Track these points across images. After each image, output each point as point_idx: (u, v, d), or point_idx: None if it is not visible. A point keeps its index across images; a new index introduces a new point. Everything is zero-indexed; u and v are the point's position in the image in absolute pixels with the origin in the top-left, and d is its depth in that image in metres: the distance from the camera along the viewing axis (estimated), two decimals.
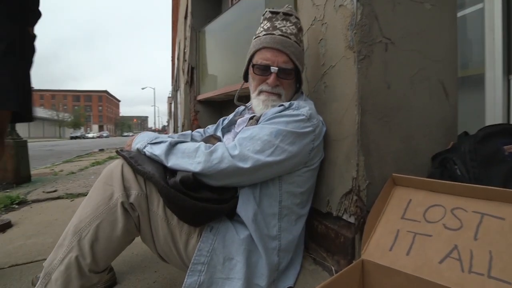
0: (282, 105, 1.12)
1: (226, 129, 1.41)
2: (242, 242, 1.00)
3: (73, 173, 4.84)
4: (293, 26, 1.22)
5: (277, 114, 1.08)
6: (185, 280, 0.96)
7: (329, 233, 1.22)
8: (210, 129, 1.51)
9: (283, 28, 1.20)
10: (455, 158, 1.02)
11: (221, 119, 1.49)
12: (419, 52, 1.14)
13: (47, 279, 0.94)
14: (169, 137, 1.10)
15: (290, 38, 1.19)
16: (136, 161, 0.99)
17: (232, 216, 1.05)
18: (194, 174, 0.97)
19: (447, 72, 1.20)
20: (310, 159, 1.12)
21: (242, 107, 1.43)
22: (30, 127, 53.91)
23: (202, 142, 1.05)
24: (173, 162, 0.99)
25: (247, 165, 0.98)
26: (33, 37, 1.46)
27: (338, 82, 1.18)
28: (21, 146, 4.01)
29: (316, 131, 1.10)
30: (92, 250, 0.94)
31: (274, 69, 1.17)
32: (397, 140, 1.12)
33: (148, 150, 1.03)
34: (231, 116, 1.45)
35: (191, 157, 0.98)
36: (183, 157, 0.99)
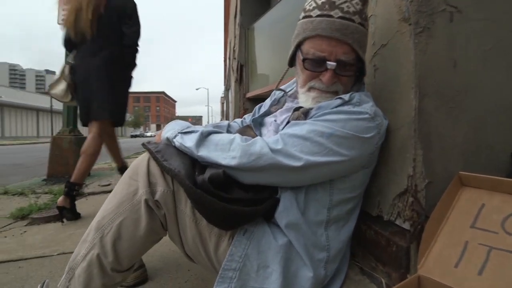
0: (341, 97, 0.93)
1: (260, 120, 1.21)
2: (280, 249, 0.88)
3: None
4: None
5: (333, 110, 0.91)
6: (214, 287, 0.86)
7: (379, 240, 1.05)
8: (247, 119, 1.35)
9: (344, 6, 0.91)
10: None
11: (257, 106, 1.32)
12: (494, 21, 0.93)
13: (71, 274, 0.91)
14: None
15: (353, 21, 0.92)
16: (162, 156, 0.90)
17: (269, 218, 0.92)
18: (225, 171, 0.86)
19: None
20: (371, 162, 0.97)
21: (279, 93, 1.22)
22: None
23: (238, 134, 0.93)
24: (203, 154, 0.89)
25: (291, 163, 0.84)
26: (132, 77, 2.56)
27: (391, 63, 1.01)
28: (82, 142, 4.26)
29: (381, 131, 0.93)
30: (114, 249, 0.89)
31: (331, 64, 0.92)
32: (465, 130, 0.92)
33: (178, 140, 0.94)
34: (267, 102, 1.26)
35: (224, 150, 0.87)
36: (215, 150, 0.88)
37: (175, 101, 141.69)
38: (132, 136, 58.90)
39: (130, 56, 2.43)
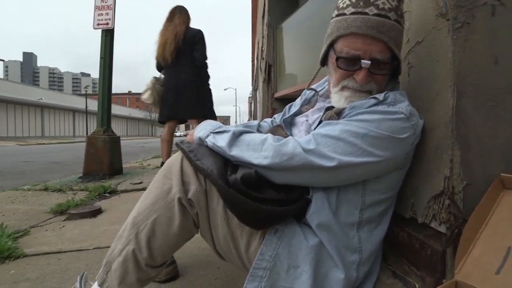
0: (375, 97, 0.91)
1: (290, 120, 1.20)
2: (311, 250, 0.87)
3: (158, 167, 5.21)
4: None
5: (368, 109, 0.89)
6: (245, 285, 0.87)
7: (412, 243, 1.01)
8: (277, 118, 1.34)
9: (380, 3, 0.88)
10: None
11: (287, 106, 1.30)
12: None
13: (108, 267, 0.95)
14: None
15: (389, 18, 0.89)
16: (195, 155, 0.92)
17: (300, 218, 0.92)
18: (257, 171, 0.87)
19: None
20: (406, 163, 0.94)
21: (310, 93, 1.21)
22: (128, 127, 61.15)
23: (270, 134, 0.93)
24: (235, 153, 0.90)
25: (324, 163, 0.83)
26: (209, 84, 3.64)
27: (427, 60, 0.97)
28: (115, 141, 4.43)
29: (416, 131, 0.90)
30: (149, 245, 0.92)
31: (365, 63, 0.90)
32: (507, 131, 0.87)
33: (211, 140, 0.95)
34: (297, 102, 1.25)
35: (256, 150, 0.87)
36: (247, 149, 0.89)
37: None
38: None
39: (203, 72, 3.57)
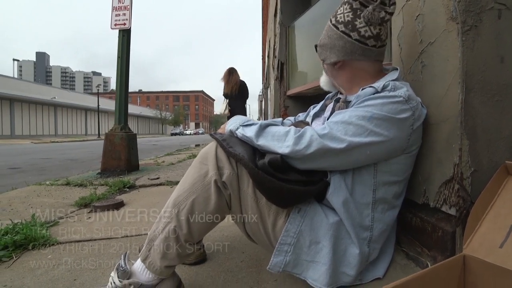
0: (372, 86, 1.04)
1: (316, 116, 1.35)
2: (330, 227, 0.99)
3: (172, 164, 5.36)
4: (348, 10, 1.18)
5: (372, 96, 1.01)
6: (271, 259, 0.99)
7: (425, 227, 1.11)
8: (301, 117, 1.48)
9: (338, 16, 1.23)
10: None
11: (312, 106, 1.45)
12: None
13: (151, 245, 1.05)
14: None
15: (337, 28, 1.17)
16: (227, 144, 1.03)
17: (321, 199, 1.04)
18: (282, 157, 0.98)
19: None
20: (409, 145, 1.03)
21: (332, 93, 1.37)
22: (139, 125, 61.68)
23: (293, 127, 1.04)
24: (262, 143, 1.01)
25: (337, 145, 0.95)
26: (245, 109, 6.19)
27: (438, 60, 1.06)
28: (132, 139, 4.56)
29: (416, 114, 1.00)
30: (188, 222, 1.02)
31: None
32: None
33: (240, 131, 1.06)
34: (322, 102, 1.38)
35: (280, 140, 0.99)
36: (272, 140, 1.00)
37: (213, 100, 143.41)
38: (172, 134, 60.46)
39: (244, 102, 5.77)
